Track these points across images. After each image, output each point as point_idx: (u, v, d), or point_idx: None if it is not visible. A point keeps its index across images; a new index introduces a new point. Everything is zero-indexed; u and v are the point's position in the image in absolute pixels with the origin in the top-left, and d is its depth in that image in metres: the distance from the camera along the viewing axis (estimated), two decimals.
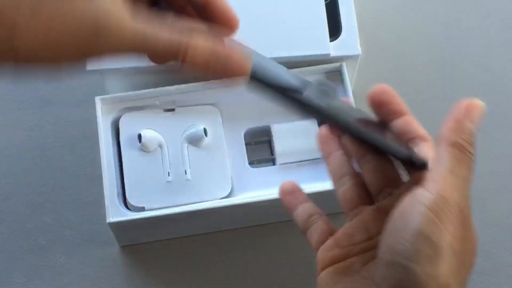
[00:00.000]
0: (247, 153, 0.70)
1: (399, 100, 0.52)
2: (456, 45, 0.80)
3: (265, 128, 0.71)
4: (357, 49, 0.71)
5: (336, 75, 0.71)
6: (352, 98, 0.69)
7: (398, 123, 0.51)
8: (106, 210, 0.66)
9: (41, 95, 0.77)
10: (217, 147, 0.69)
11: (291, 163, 0.69)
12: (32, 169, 0.74)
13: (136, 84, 0.71)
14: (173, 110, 0.70)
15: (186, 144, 0.69)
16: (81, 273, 0.71)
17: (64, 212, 0.73)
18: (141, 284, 0.71)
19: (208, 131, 0.69)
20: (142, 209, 0.67)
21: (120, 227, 0.67)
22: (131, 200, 0.67)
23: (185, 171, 0.68)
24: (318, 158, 0.69)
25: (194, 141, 0.69)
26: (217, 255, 0.71)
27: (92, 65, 0.69)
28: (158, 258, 0.71)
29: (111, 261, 0.71)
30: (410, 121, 0.51)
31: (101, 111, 0.69)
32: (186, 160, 0.68)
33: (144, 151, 0.68)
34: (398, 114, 0.51)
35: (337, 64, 0.71)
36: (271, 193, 0.67)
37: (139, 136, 0.68)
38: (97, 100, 0.69)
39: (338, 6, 0.71)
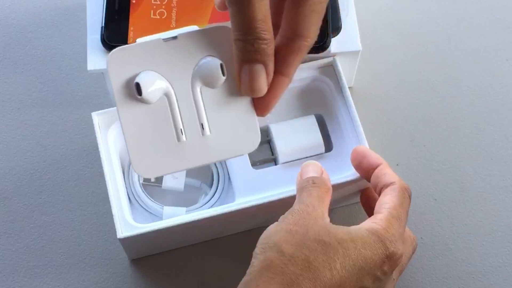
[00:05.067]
0: (248, 155, 0.69)
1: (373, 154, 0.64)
2: (456, 42, 0.80)
3: (263, 129, 0.70)
4: (357, 45, 0.71)
5: (330, 70, 0.71)
6: (348, 92, 0.69)
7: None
8: (116, 226, 0.65)
9: (41, 95, 0.77)
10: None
11: (293, 161, 0.69)
12: (32, 169, 0.74)
13: None
14: (175, 38, 0.55)
15: (199, 87, 0.55)
16: (81, 273, 0.71)
17: (64, 212, 0.73)
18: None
19: (225, 67, 0.55)
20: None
21: (130, 241, 0.66)
22: (138, 170, 0.55)
23: (202, 124, 0.55)
24: (320, 154, 0.69)
25: (208, 81, 0.55)
26: (227, 260, 0.71)
27: (92, 65, 0.69)
28: (168, 267, 0.71)
29: (112, 259, 0.71)
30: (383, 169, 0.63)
31: (99, 127, 0.68)
32: (202, 110, 0.55)
33: (146, 103, 0.55)
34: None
35: (330, 59, 0.70)
36: (277, 193, 0.66)
37: (137, 86, 0.54)
38: (94, 116, 0.68)
39: (338, 2, 0.71)
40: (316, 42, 0.68)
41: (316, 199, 0.59)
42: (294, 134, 0.69)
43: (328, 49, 0.69)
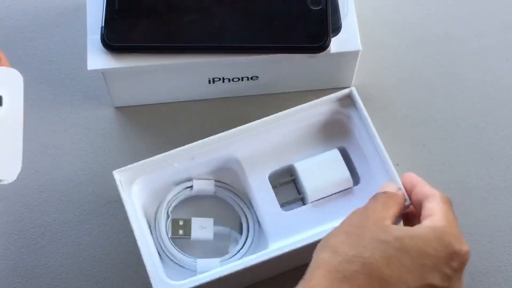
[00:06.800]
0: (276, 197, 0.67)
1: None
2: (456, 42, 0.80)
3: (287, 168, 0.69)
4: (357, 45, 0.70)
5: (349, 101, 0.69)
6: (370, 121, 0.67)
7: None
8: (153, 286, 0.63)
9: (41, 95, 0.77)
10: (12, 118, 0.59)
11: (322, 198, 0.67)
12: (32, 169, 0.74)
13: (140, 84, 0.71)
14: None
15: None
16: (81, 273, 0.71)
17: (64, 212, 0.73)
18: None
19: (4, 99, 0.59)
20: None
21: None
22: None
23: None
24: (348, 188, 0.67)
25: None
26: None
27: (92, 65, 0.69)
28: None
29: (113, 253, 0.71)
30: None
31: (121, 184, 0.66)
32: None
33: None
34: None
35: (346, 90, 0.68)
36: (310, 234, 0.65)
37: None
38: (115, 174, 0.66)
39: (338, 1, 0.71)
40: (316, 42, 0.69)
41: (380, 204, 0.59)
42: (320, 171, 0.67)
43: (328, 49, 0.69)
